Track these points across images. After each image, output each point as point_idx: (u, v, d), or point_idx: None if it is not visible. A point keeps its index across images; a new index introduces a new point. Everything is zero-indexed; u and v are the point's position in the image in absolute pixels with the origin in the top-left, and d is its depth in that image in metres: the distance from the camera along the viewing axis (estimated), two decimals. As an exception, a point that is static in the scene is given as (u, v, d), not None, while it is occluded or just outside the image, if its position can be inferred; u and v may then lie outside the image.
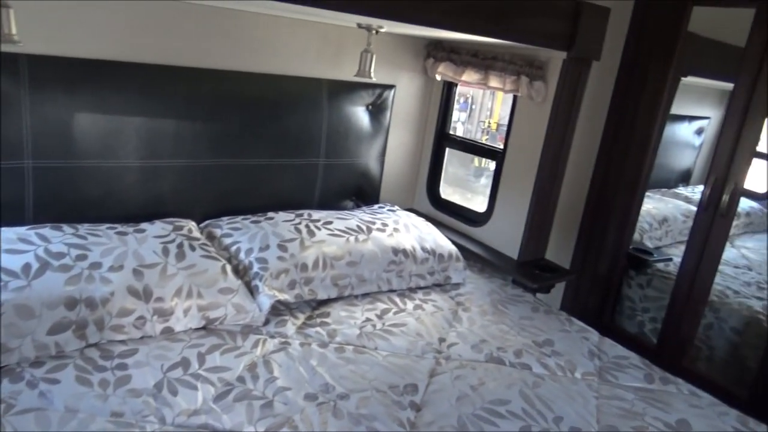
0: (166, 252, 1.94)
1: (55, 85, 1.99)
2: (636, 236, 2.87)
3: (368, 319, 2.11)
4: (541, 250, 2.70)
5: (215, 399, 1.56)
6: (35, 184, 2.03)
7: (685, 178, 3.19)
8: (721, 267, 2.45)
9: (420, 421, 1.59)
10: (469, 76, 2.77)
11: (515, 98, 2.77)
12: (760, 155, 2.55)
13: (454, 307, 2.33)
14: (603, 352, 2.12)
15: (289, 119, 2.56)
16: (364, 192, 2.96)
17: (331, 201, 2.83)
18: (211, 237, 2.28)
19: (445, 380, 1.80)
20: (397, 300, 2.30)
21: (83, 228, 1.98)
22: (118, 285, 1.76)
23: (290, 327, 1.99)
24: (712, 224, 2.39)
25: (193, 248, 2.01)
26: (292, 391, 1.63)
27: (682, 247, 2.54)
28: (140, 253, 1.90)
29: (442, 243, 2.56)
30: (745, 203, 2.82)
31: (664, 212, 3.05)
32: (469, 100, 4.98)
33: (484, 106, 5.14)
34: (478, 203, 3.14)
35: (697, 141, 3.10)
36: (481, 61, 2.73)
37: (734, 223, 2.40)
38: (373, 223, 2.47)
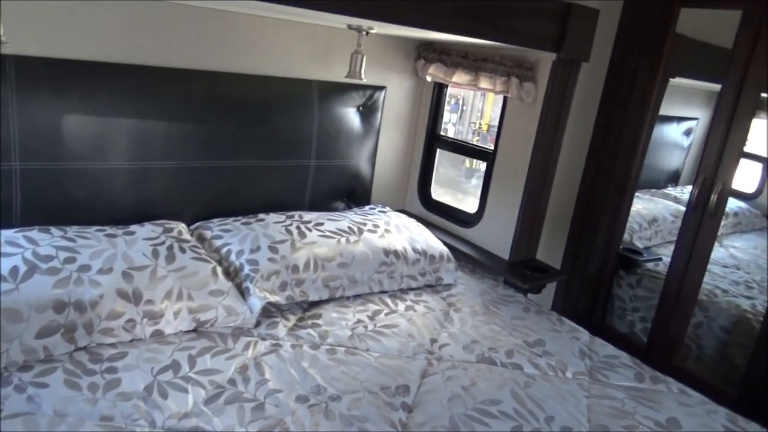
0: (155, 254, 1.93)
1: (44, 87, 1.97)
2: (626, 236, 2.89)
3: (360, 321, 2.11)
4: (531, 251, 2.71)
5: (206, 402, 1.55)
6: (23, 187, 2.01)
7: (674, 178, 3.22)
8: (709, 266, 2.47)
9: (412, 422, 1.59)
10: (460, 77, 2.78)
11: (505, 99, 2.78)
12: (748, 155, 2.58)
13: (446, 307, 2.33)
14: (594, 352, 2.13)
15: (279, 120, 2.55)
16: (355, 193, 2.95)
17: (322, 202, 2.82)
18: (201, 239, 2.27)
19: (436, 381, 1.80)
20: (389, 301, 2.30)
21: (72, 230, 1.96)
22: (107, 288, 1.75)
23: (281, 329, 1.98)
24: (701, 224, 2.41)
25: (183, 250, 2.00)
26: (283, 393, 1.62)
27: (672, 247, 2.55)
28: (130, 256, 1.88)
29: (434, 244, 2.57)
30: (733, 203, 2.85)
31: (654, 212, 3.07)
32: (460, 102, 4.99)
33: (475, 107, 5.15)
34: (469, 204, 3.15)
35: (685, 142, 3.13)
36: (472, 62, 2.74)
37: (722, 222, 2.43)
38: (365, 225, 2.47)
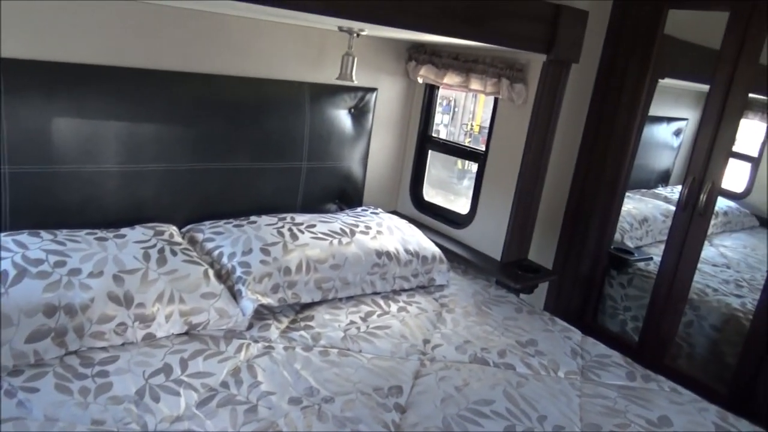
0: (147, 257, 1.92)
1: (32, 90, 1.96)
2: (617, 236, 2.91)
3: (352, 322, 2.11)
4: (523, 251, 2.72)
5: (198, 405, 1.54)
6: (12, 190, 1.99)
7: (664, 178, 3.24)
8: (700, 265, 2.49)
9: (405, 423, 1.59)
10: (451, 78, 2.79)
11: (496, 100, 2.79)
12: (737, 155, 2.60)
13: (438, 308, 2.33)
14: (585, 351, 2.14)
15: (271, 123, 2.55)
16: (347, 195, 2.95)
17: (314, 204, 2.82)
18: (193, 241, 2.26)
19: (429, 382, 1.80)
20: (381, 302, 2.30)
21: (62, 234, 1.94)
22: (98, 291, 1.74)
23: (274, 331, 1.98)
24: (691, 223, 2.43)
25: (174, 253, 1.99)
26: (276, 396, 1.62)
27: (662, 247, 2.57)
28: (120, 259, 1.87)
29: (426, 245, 2.57)
30: (722, 203, 2.87)
31: (644, 212, 3.09)
32: (452, 103, 5.00)
33: (467, 108, 5.17)
34: (461, 205, 3.16)
35: (675, 142, 3.15)
36: (462, 63, 2.74)
37: (712, 222, 2.45)
38: (357, 226, 2.47)
